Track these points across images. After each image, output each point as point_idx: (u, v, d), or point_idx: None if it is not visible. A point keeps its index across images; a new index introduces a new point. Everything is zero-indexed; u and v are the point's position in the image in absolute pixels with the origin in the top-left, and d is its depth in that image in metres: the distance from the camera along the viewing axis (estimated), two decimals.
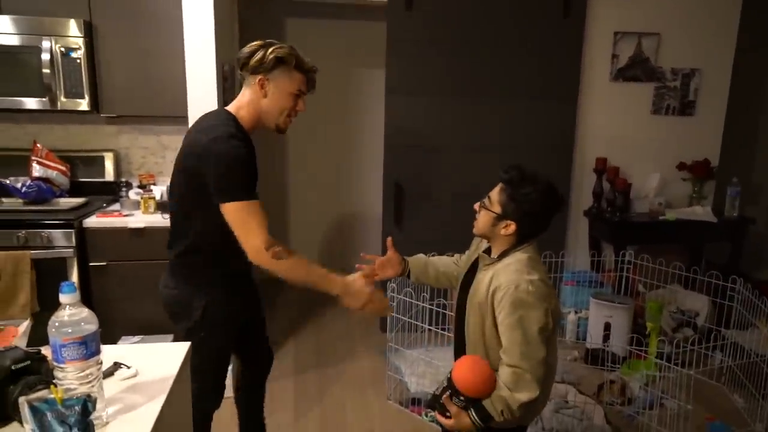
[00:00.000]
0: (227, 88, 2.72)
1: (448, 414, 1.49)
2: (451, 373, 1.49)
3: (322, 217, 4.46)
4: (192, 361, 1.48)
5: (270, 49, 1.56)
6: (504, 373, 1.44)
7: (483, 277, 1.58)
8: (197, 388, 1.55)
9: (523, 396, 1.41)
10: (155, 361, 1.29)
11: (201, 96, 2.48)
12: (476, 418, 1.44)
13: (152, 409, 1.09)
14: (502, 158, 3.40)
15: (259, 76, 1.58)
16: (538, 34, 3.33)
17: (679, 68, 3.51)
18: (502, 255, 1.58)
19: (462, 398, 1.45)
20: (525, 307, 1.44)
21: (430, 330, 2.89)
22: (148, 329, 2.58)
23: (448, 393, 1.48)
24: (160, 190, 2.82)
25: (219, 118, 1.60)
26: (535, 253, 1.60)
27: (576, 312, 3.34)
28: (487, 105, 3.37)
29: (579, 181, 3.60)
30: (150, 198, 2.68)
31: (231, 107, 1.64)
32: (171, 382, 1.21)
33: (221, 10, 2.61)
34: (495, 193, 1.60)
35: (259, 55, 1.56)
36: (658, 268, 3.25)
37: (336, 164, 4.40)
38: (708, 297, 3.18)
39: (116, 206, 2.79)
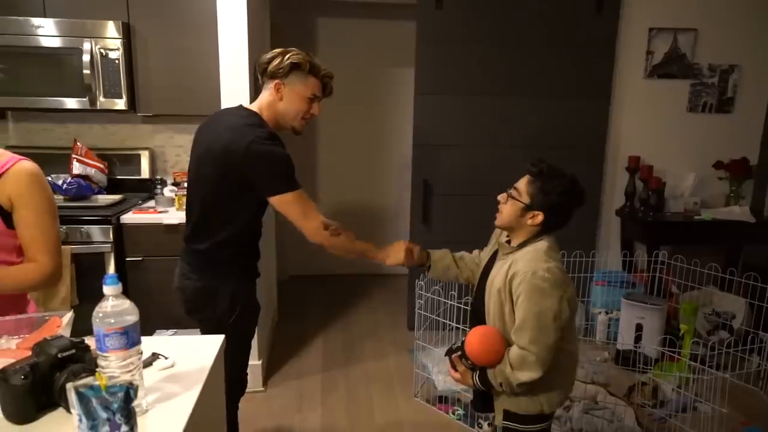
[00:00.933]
0: (259, 88, 2.76)
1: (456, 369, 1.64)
2: (465, 336, 1.61)
3: (351, 216, 4.48)
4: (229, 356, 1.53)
5: (287, 56, 1.65)
6: (512, 352, 1.53)
7: (502, 265, 1.64)
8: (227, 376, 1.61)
9: (524, 376, 1.51)
10: (191, 353, 1.32)
11: (234, 96, 2.52)
12: (477, 382, 1.59)
13: (189, 399, 1.12)
14: (532, 156, 3.38)
15: (276, 81, 1.67)
16: (570, 30, 3.28)
17: (716, 64, 3.41)
18: (522, 245, 1.64)
19: (469, 361, 1.57)
20: (540, 293, 1.50)
21: (457, 328, 2.89)
22: (181, 323, 2.63)
23: (458, 353, 1.60)
24: None
25: (251, 119, 1.67)
26: (554, 244, 1.66)
27: (607, 312, 3.29)
28: (518, 103, 3.34)
29: (611, 180, 3.54)
30: (184, 195, 2.72)
31: (253, 107, 1.72)
32: (207, 372, 1.24)
33: (254, 11, 2.65)
34: (522, 184, 1.66)
35: (276, 60, 1.65)
36: (693, 269, 3.17)
37: (365, 162, 4.42)
38: (745, 299, 3.09)
39: (151, 203, 2.87)
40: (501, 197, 1.72)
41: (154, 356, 1.27)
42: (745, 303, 3.10)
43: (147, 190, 3.05)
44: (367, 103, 4.29)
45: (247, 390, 2.71)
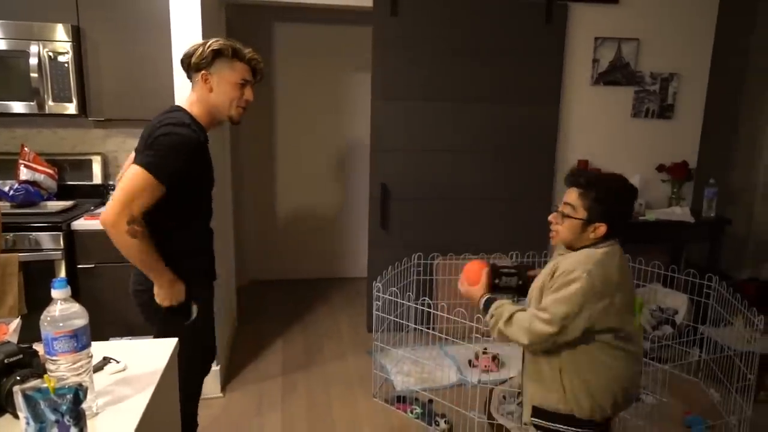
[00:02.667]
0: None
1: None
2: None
3: (310, 219, 4.50)
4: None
5: (208, 44, 1.63)
6: (520, 312, 1.62)
7: (548, 265, 1.67)
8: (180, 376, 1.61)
9: (509, 331, 1.61)
10: (144, 357, 1.33)
11: None
12: (482, 303, 1.73)
13: (140, 401, 1.13)
14: (489, 161, 3.51)
15: (202, 71, 1.64)
16: (521, 39, 3.40)
17: (657, 72, 3.60)
18: (578, 249, 1.65)
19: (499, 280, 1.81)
20: (566, 289, 1.54)
21: (416, 329, 2.95)
22: (136, 331, 2.60)
23: (494, 270, 1.80)
24: None
25: (174, 110, 1.67)
26: (613, 250, 1.62)
27: None
28: (472, 109, 3.44)
29: (561, 183, 3.66)
30: None
31: (184, 105, 1.70)
32: (159, 375, 1.25)
33: (209, 16, 2.64)
34: (574, 200, 1.61)
35: (198, 51, 1.63)
36: (639, 267, 3.33)
37: (323, 166, 4.45)
38: (687, 295, 3.26)
39: (104, 209, 2.81)
40: (552, 218, 1.67)
41: (106, 360, 1.27)
42: (687, 299, 3.27)
43: (100, 195, 2.99)
44: (325, 107, 4.32)
45: (205, 396, 2.72)
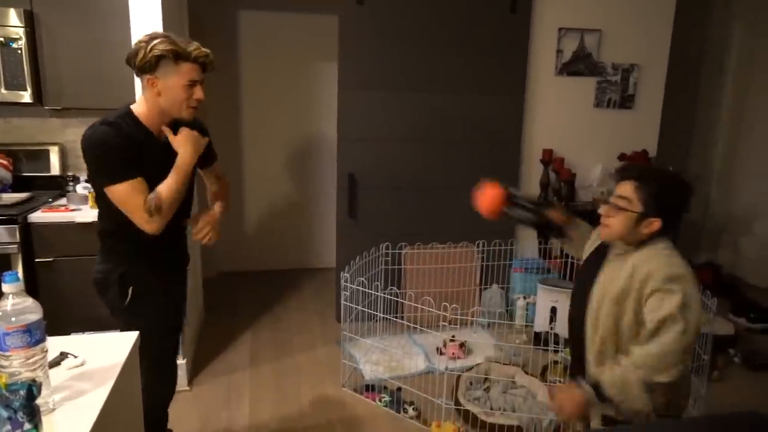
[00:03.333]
0: None
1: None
2: None
3: (278, 209, 4.47)
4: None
5: (149, 47, 1.56)
6: (640, 354, 1.45)
7: (619, 266, 1.58)
8: (144, 384, 1.56)
9: (662, 377, 1.43)
10: (103, 351, 1.31)
11: None
12: (595, 397, 1.48)
13: (99, 396, 1.12)
14: (454, 150, 3.53)
15: (147, 76, 1.60)
16: (487, 29, 3.43)
17: (619, 63, 3.69)
18: (639, 246, 1.58)
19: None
20: (673, 298, 1.46)
21: (385, 319, 2.97)
22: (98, 325, 2.54)
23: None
24: None
25: (112, 113, 1.66)
26: (672, 247, 1.59)
27: (525, 297, 3.48)
28: (439, 98, 3.46)
29: (527, 172, 3.74)
30: (91, 192, 2.63)
31: (135, 104, 1.69)
32: (118, 370, 1.23)
33: (169, 1, 2.58)
34: (629, 193, 1.55)
35: (141, 54, 1.57)
36: None
37: (291, 156, 4.41)
38: None
39: (63, 201, 2.74)
40: (604, 210, 1.60)
41: (63, 355, 1.25)
42: None
43: (58, 187, 2.90)
44: (292, 96, 4.27)
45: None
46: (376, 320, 3.07)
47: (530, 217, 1.78)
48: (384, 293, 2.90)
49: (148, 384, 1.60)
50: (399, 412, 2.57)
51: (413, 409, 2.57)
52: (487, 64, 3.46)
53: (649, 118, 3.81)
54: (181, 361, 2.71)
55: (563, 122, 3.71)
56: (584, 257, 1.82)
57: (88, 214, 2.55)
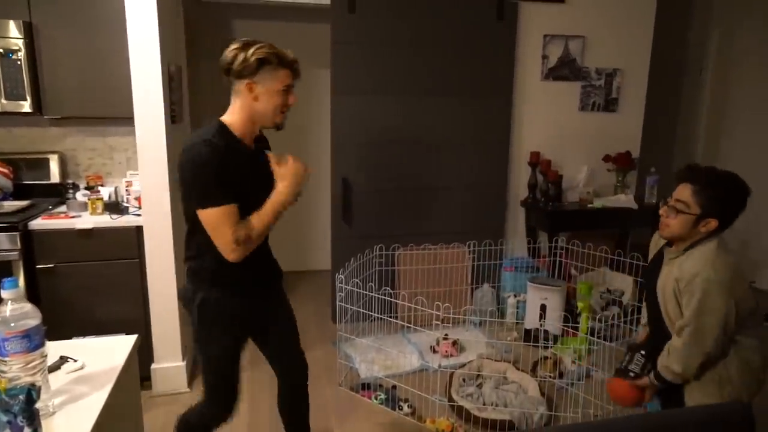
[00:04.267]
0: (174, 89, 2.77)
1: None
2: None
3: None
4: (204, 365, 1.68)
5: (250, 51, 1.55)
6: (672, 344, 1.71)
7: (669, 271, 1.73)
8: (211, 395, 1.74)
9: (673, 365, 1.69)
10: (102, 355, 1.33)
11: (147, 97, 2.52)
12: (655, 380, 1.78)
13: (98, 399, 1.13)
14: (445, 153, 3.63)
15: (246, 80, 1.58)
16: (475, 35, 3.53)
17: (602, 68, 3.80)
18: (688, 248, 1.71)
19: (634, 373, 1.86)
20: (706, 294, 1.60)
21: (380, 319, 3.04)
22: (100, 330, 2.59)
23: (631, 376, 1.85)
24: (108, 191, 2.83)
25: (205, 127, 1.61)
26: (723, 242, 1.70)
27: (515, 296, 3.57)
28: (430, 103, 3.55)
29: (516, 174, 3.84)
30: (98, 199, 2.69)
31: (225, 115, 1.65)
32: (117, 372, 1.25)
33: (165, 11, 2.65)
34: (687, 195, 1.67)
35: (240, 58, 1.55)
36: (588, 252, 3.53)
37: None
38: (632, 277, 3.48)
39: (63, 208, 2.79)
40: (664, 212, 1.74)
41: (63, 359, 1.27)
42: (632, 280, 3.49)
43: (58, 194, 2.95)
44: None
45: (172, 392, 2.75)
46: (371, 320, 3.14)
47: (645, 370, 1.88)
48: (378, 294, 2.98)
49: (218, 405, 1.77)
50: (394, 410, 2.64)
51: (408, 406, 2.64)
52: (475, 68, 3.56)
53: (632, 120, 3.93)
54: (181, 363, 2.77)
55: (550, 125, 3.81)
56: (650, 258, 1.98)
57: (88, 220, 2.60)
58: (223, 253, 1.57)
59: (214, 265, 1.63)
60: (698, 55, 4.77)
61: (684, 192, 1.67)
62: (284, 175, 1.69)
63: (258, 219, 1.62)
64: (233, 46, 1.58)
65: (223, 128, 1.61)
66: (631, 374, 1.85)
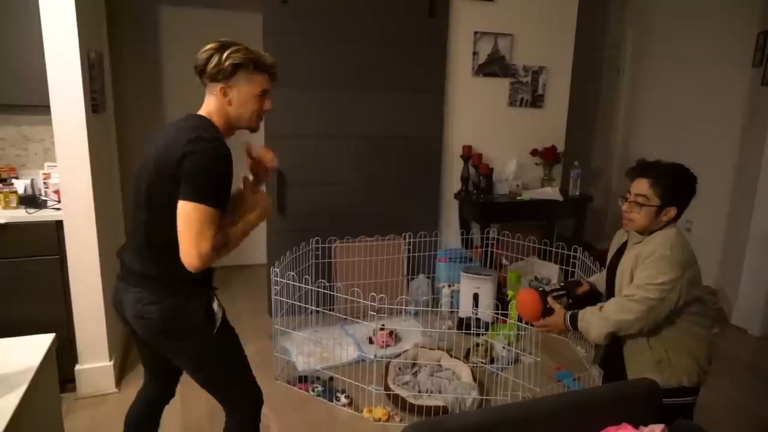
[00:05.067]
0: (94, 77, 2.63)
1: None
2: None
3: None
4: (217, 372, 1.56)
5: (225, 54, 1.50)
6: (609, 301, 1.82)
7: (631, 253, 1.84)
8: (239, 394, 1.64)
9: (591, 318, 1.81)
10: (15, 356, 1.27)
11: (64, 84, 2.39)
12: (568, 321, 1.88)
13: (10, 402, 1.09)
14: (380, 146, 3.66)
15: (220, 84, 1.53)
16: (408, 31, 3.58)
17: (529, 66, 3.97)
18: (651, 233, 1.82)
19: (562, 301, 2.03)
20: (657, 268, 1.72)
21: (316, 311, 3.04)
22: (17, 332, 2.43)
23: (556, 294, 2.01)
24: (23, 184, 2.65)
25: (201, 120, 1.54)
26: (679, 229, 1.82)
27: (449, 285, 3.67)
28: (363, 96, 3.57)
29: (449, 167, 3.94)
30: (11, 192, 2.52)
31: (202, 113, 1.58)
32: (32, 374, 1.20)
33: None
34: (645, 189, 1.78)
35: (214, 61, 1.50)
36: (518, 242, 3.68)
37: None
38: (558, 265, 3.67)
39: (183, 255, 2.55)
40: (627, 207, 1.83)
41: None
42: (558, 268, 3.68)
43: None
44: None
45: (99, 393, 2.64)
46: (308, 313, 3.13)
47: (565, 300, 2.02)
48: (315, 286, 2.98)
49: (252, 401, 1.70)
50: (331, 401, 2.66)
51: (345, 396, 2.66)
52: (408, 64, 3.62)
53: (557, 116, 4.13)
54: (108, 363, 2.65)
55: (481, 120, 3.94)
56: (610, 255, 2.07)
57: (0, 215, 2.43)
58: (190, 257, 1.40)
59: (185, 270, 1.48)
60: (615, 55, 5.08)
61: (641, 186, 1.79)
62: (256, 203, 1.64)
63: (238, 230, 1.55)
64: (208, 47, 1.52)
65: (215, 127, 1.55)
66: (540, 289, 2.03)
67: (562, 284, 2.00)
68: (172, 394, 1.92)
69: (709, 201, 4.12)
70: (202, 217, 1.40)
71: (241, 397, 1.71)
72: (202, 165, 1.41)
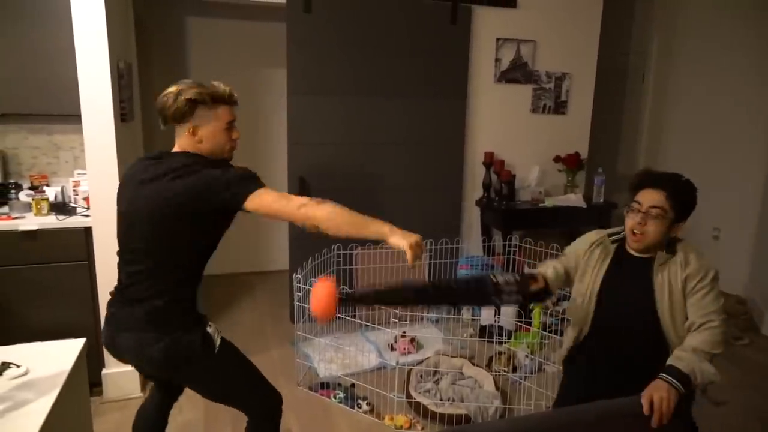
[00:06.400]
0: (123, 86, 2.70)
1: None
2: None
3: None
4: (228, 387, 1.62)
5: (180, 94, 1.53)
6: (699, 339, 1.61)
7: (666, 274, 1.71)
8: (254, 399, 1.70)
9: (719, 349, 1.61)
10: (48, 360, 1.29)
11: (95, 94, 2.45)
12: (677, 383, 1.50)
13: (44, 405, 1.11)
14: (402, 153, 3.67)
15: (186, 125, 1.55)
16: (430, 38, 3.58)
17: (552, 72, 3.94)
18: (669, 250, 1.73)
19: None
20: (715, 286, 1.67)
21: (338, 318, 3.05)
22: (47, 336, 2.48)
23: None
24: (54, 191, 2.73)
25: (190, 157, 1.57)
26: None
27: None
28: (385, 103, 3.58)
29: (470, 174, 3.92)
30: (43, 199, 2.59)
31: (177, 150, 1.61)
32: (64, 378, 1.22)
33: (113, 6, 2.58)
34: (661, 202, 1.67)
35: (170, 103, 1.53)
36: (540, 249, 3.64)
37: (242, 161, 4.39)
38: None
39: (5, 209, 2.66)
40: (640, 219, 1.69)
41: (5, 365, 1.24)
42: None
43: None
44: (241, 102, 4.21)
45: (125, 397, 2.68)
46: (330, 319, 3.14)
47: (515, 297, 1.68)
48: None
49: (270, 400, 1.75)
50: (353, 408, 2.66)
51: (367, 403, 2.66)
52: (430, 71, 3.62)
53: (580, 122, 4.09)
54: (132, 368, 2.69)
55: (503, 126, 3.92)
56: (585, 273, 1.86)
57: (32, 221, 2.50)
58: (300, 212, 1.47)
59: (188, 302, 1.58)
60: (640, 60, 5.01)
61: (656, 197, 1.68)
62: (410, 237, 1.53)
63: (349, 215, 1.53)
64: (166, 91, 1.56)
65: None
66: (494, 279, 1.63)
67: (516, 278, 1.63)
68: (180, 392, 1.97)
69: (739, 208, 4.02)
70: (267, 198, 1.47)
71: (258, 402, 1.76)
72: (213, 177, 1.48)
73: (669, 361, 1.58)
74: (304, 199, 1.50)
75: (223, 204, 1.50)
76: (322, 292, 1.48)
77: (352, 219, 1.52)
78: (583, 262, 1.89)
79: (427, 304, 1.63)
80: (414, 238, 1.49)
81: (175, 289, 1.55)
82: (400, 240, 1.48)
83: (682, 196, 1.69)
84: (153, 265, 1.55)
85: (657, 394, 1.45)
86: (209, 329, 1.62)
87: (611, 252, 1.84)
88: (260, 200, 1.47)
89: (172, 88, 1.55)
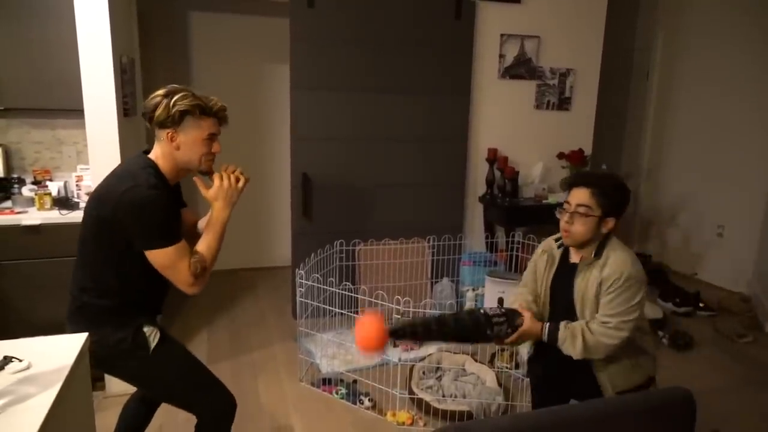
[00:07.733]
0: (126, 81, 2.69)
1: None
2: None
3: (233, 211, 4.45)
4: (175, 388, 1.63)
5: (173, 101, 1.53)
6: (594, 325, 1.72)
7: (587, 277, 1.76)
8: (206, 402, 1.68)
9: (588, 352, 1.71)
10: (50, 354, 1.29)
11: (97, 89, 2.45)
12: (546, 333, 1.74)
13: (46, 400, 1.10)
14: (405, 149, 3.66)
15: (168, 131, 1.56)
16: (434, 33, 3.57)
17: (556, 68, 3.92)
18: (598, 252, 1.76)
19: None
20: (628, 290, 1.69)
21: (341, 313, 3.05)
22: (49, 330, 2.49)
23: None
24: (57, 186, 2.73)
25: (138, 165, 1.58)
26: (618, 240, 1.80)
27: (473, 289, 3.64)
28: (389, 99, 3.57)
29: (473, 170, 3.91)
30: (46, 194, 2.59)
31: (151, 155, 1.62)
32: (66, 372, 1.21)
33: (116, 1, 2.57)
34: (586, 199, 1.73)
35: (161, 108, 1.53)
36: None
37: (244, 157, 4.39)
38: None
39: (8, 203, 2.67)
40: (567, 218, 1.76)
41: (7, 359, 1.23)
42: None
43: (2, 189, 2.82)
44: (244, 98, 4.28)
45: (127, 392, 2.65)
46: (332, 315, 3.14)
47: (504, 329, 1.73)
48: (339, 289, 2.98)
49: (218, 404, 1.73)
50: (355, 404, 2.66)
51: (369, 400, 2.66)
52: (434, 66, 3.61)
53: (584, 119, 4.07)
54: None
55: (506, 122, 3.90)
56: (539, 272, 1.98)
57: (35, 216, 2.51)
58: (184, 289, 1.58)
59: (124, 305, 1.61)
60: (644, 57, 4.98)
61: (582, 196, 1.73)
62: (214, 195, 1.69)
63: (205, 247, 1.64)
64: (155, 94, 1.56)
65: (157, 170, 1.60)
66: (482, 311, 1.73)
67: (503, 310, 1.74)
68: None
69: (743, 206, 4.01)
70: (168, 258, 1.53)
71: (204, 405, 1.75)
72: (129, 216, 1.48)
73: (561, 324, 1.76)
74: (192, 278, 1.58)
75: (126, 243, 1.54)
76: (370, 328, 1.53)
77: (212, 243, 1.67)
78: (539, 272, 1.99)
79: (446, 341, 1.76)
80: (230, 195, 1.75)
81: (104, 289, 1.59)
82: (219, 215, 1.73)
83: (609, 192, 1.73)
84: (82, 263, 1.61)
85: (524, 332, 1.75)
86: (146, 329, 1.63)
87: (557, 258, 1.91)
88: (158, 260, 1.54)
89: (161, 92, 1.56)
